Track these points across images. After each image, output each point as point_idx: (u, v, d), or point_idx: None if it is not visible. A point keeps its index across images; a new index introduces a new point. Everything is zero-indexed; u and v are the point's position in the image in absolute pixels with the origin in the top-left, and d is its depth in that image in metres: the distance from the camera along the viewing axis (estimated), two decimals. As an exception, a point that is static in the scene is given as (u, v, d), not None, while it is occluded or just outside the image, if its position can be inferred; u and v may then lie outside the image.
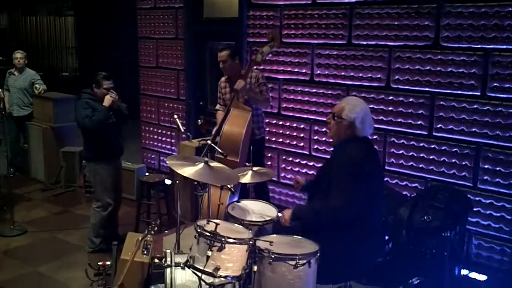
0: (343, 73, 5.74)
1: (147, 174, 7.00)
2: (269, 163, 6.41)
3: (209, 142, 4.68)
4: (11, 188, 6.72)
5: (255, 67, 5.63)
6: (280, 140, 6.39)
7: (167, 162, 3.78)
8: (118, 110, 5.54)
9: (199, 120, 6.15)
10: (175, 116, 4.89)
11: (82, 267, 4.84)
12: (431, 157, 5.15)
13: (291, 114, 6.23)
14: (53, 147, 7.89)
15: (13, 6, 14.89)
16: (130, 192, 6.98)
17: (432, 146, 5.14)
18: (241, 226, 3.64)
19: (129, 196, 6.85)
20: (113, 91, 5.47)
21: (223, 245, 3.20)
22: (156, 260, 4.27)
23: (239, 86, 5.23)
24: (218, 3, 7.21)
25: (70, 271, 5.28)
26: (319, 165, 5.75)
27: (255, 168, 4.40)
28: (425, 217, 4.06)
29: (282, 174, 6.44)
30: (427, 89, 5.11)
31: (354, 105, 3.76)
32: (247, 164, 4.60)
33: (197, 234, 3.28)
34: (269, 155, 6.45)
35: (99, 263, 4.58)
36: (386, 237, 4.24)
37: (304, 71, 6.08)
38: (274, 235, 3.62)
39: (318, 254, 3.37)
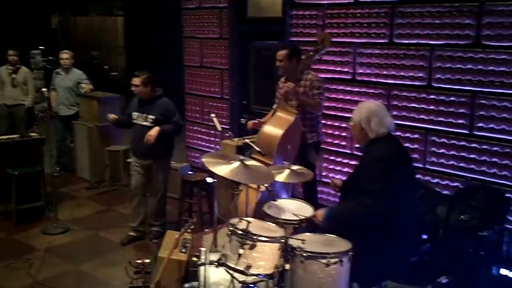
0: (384, 72, 5.69)
1: (190, 172, 7.06)
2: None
3: (247, 140, 4.69)
4: (56, 186, 6.82)
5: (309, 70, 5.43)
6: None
7: (202, 160, 3.80)
8: None
9: (242, 119, 6.15)
10: (213, 115, 4.92)
11: (123, 265, 4.90)
12: (471, 156, 5.08)
13: (333, 113, 6.20)
14: (99, 146, 8.00)
15: (64, 6, 15.24)
16: (174, 191, 7.05)
17: (473, 145, 5.06)
18: (274, 225, 3.64)
19: (172, 195, 6.87)
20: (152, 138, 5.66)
21: (254, 243, 3.22)
22: (194, 258, 4.33)
23: (287, 89, 5.10)
24: (262, 3, 7.23)
25: (111, 269, 5.32)
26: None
27: (293, 167, 4.33)
28: (463, 217, 4.00)
29: (324, 173, 6.42)
30: (468, 88, 5.04)
31: (360, 108, 3.83)
32: (284, 162, 4.57)
33: (229, 232, 3.32)
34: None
35: (138, 261, 4.64)
36: (424, 236, 4.19)
37: (346, 70, 6.05)
38: (308, 234, 3.60)
39: (351, 253, 3.36)
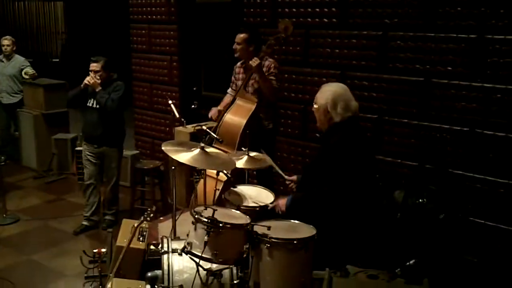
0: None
1: (141, 160, 6.97)
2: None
3: (204, 127, 4.64)
4: (3, 176, 6.61)
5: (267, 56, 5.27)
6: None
7: (162, 148, 3.74)
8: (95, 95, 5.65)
9: (193, 105, 6.08)
10: (170, 102, 4.81)
11: (77, 255, 4.78)
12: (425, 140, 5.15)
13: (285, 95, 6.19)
14: (45, 134, 7.83)
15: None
16: (124, 179, 6.95)
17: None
18: (238, 212, 3.64)
19: (123, 183, 6.81)
20: (95, 75, 5.59)
21: (220, 230, 3.20)
22: (152, 247, 4.27)
23: (254, 64, 4.89)
24: (211, -14, 7.12)
25: (65, 258, 5.24)
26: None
27: (251, 154, 4.31)
28: (420, 200, 4.08)
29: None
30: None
31: (324, 91, 3.80)
32: (243, 149, 4.53)
33: (194, 220, 3.28)
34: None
35: (94, 251, 4.55)
36: (382, 220, 4.26)
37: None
38: (272, 220, 3.61)
39: (315, 239, 3.38)
